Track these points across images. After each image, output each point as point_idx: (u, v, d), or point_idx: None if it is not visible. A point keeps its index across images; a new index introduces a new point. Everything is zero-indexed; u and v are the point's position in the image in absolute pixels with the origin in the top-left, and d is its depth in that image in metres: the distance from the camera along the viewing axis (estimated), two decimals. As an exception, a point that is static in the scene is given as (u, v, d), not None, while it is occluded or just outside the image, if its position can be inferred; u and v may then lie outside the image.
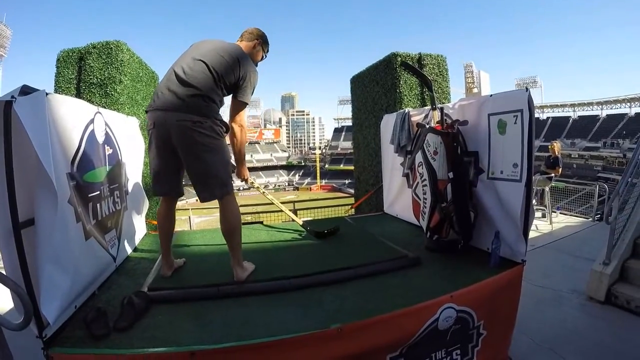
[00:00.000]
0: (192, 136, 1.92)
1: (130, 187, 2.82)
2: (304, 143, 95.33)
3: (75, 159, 1.92)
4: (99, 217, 2.19)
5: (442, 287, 1.93)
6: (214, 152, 1.98)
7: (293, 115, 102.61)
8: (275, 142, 74.38)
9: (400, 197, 3.68)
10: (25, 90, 1.48)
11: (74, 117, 1.92)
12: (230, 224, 2.07)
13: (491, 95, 2.40)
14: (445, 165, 2.45)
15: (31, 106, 1.48)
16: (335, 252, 2.68)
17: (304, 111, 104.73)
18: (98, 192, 2.19)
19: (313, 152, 69.58)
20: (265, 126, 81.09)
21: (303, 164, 68.77)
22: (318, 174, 59.67)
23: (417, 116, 3.34)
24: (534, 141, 2.09)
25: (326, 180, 58.34)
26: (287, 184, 62.44)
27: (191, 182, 2.04)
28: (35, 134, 1.46)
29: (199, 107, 1.94)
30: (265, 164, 65.27)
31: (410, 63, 4.49)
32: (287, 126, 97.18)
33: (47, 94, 1.60)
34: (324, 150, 69.27)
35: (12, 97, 1.37)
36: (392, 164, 3.82)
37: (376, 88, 4.94)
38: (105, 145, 2.34)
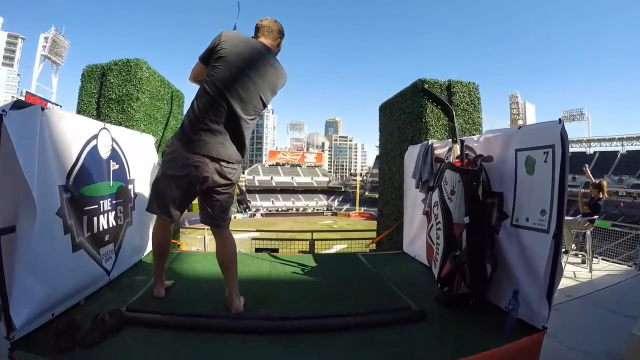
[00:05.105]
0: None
1: (138, 204, 2.82)
2: (346, 169, 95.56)
3: (72, 172, 1.97)
4: (95, 230, 2.21)
5: (443, 352, 1.69)
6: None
7: (336, 140, 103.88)
8: (317, 166, 75.16)
9: (419, 237, 3.37)
10: (19, 105, 1.57)
11: (74, 132, 1.98)
12: (232, 251, 2.08)
13: (519, 127, 2.14)
14: (462, 207, 2.18)
15: (22, 120, 1.56)
16: (333, 294, 2.47)
17: (347, 137, 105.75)
18: (96, 206, 2.22)
19: (354, 178, 69.10)
20: (307, 149, 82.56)
21: (343, 189, 68.41)
22: (357, 201, 58.93)
23: (441, 149, 3.09)
24: (567, 182, 1.78)
25: (365, 208, 57.47)
26: (325, 209, 62.30)
27: (211, 210, 2.02)
28: (22, 147, 1.53)
29: None
30: (305, 187, 65.88)
31: (439, 91, 4.25)
32: (329, 151, 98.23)
33: (43, 109, 1.68)
34: (364, 177, 68.55)
35: (3, 110, 1.46)
36: (414, 199, 3.56)
37: (402, 116, 4.69)
38: (111, 161, 2.38)
